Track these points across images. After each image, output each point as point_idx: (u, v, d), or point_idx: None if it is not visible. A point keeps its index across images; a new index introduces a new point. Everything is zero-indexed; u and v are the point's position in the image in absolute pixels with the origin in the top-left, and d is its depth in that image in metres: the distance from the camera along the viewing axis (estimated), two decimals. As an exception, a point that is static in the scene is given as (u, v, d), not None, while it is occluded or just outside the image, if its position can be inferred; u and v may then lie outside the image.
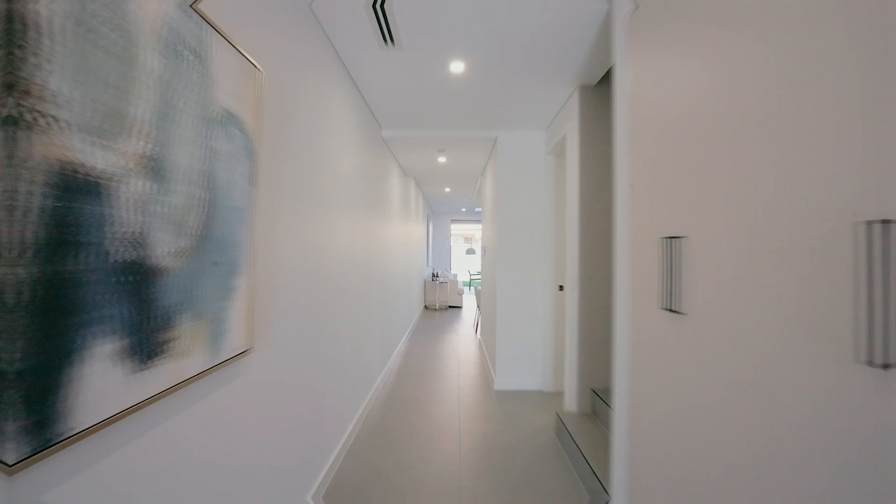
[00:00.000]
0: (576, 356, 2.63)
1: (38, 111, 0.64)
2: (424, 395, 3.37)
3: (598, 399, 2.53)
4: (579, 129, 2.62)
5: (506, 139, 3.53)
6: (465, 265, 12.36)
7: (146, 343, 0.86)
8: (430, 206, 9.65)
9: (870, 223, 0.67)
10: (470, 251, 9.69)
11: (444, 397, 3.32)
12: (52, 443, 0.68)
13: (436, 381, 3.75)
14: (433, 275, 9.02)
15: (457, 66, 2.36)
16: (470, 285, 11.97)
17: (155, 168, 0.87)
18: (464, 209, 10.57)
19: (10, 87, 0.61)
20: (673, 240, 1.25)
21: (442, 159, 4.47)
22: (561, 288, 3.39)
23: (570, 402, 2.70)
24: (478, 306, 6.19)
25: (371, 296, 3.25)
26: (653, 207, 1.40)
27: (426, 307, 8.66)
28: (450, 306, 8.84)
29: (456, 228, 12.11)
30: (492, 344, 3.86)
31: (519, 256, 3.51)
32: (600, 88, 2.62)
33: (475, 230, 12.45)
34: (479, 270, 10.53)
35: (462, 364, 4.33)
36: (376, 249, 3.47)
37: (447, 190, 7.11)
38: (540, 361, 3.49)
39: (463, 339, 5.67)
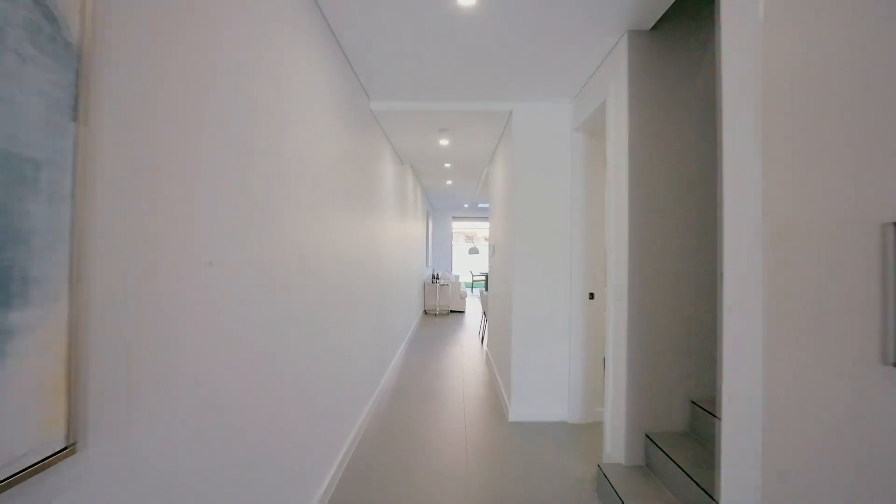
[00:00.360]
0: (623, 390, 1.99)
1: None
2: (422, 429, 2.73)
3: (654, 448, 1.89)
4: (629, 91, 1.97)
5: (523, 113, 2.89)
6: (467, 265, 11.71)
7: None
8: (430, 202, 9.00)
9: None
10: (473, 250, 9.03)
11: (448, 434, 2.67)
12: None
13: (437, 408, 3.10)
14: (433, 276, 8.37)
15: (467, -3, 1.72)
16: (472, 286, 11.33)
17: None
18: (466, 205, 9.94)
19: None
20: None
21: (444, 141, 3.82)
22: (591, 296, 2.76)
23: (615, 450, 2.06)
24: (484, 313, 5.55)
25: (362, 305, 2.61)
26: (834, 175, 0.76)
27: (425, 312, 8.01)
28: (451, 311, 8.20)
29: (458, 226, 11.49)
30: (505, 363, 3.22)
31: (538, 258, 2.87)
32: (658, 34, 1.97)
33: (478, 228, 11.82)
34: (485, 271, 9.89)
35: (468, 384, 3.69)
36: (372, 248, 2.83)
37: (449, 183, 6.47)
38: (565, 385, 2.85)
39: (467, 350, 5.03)
